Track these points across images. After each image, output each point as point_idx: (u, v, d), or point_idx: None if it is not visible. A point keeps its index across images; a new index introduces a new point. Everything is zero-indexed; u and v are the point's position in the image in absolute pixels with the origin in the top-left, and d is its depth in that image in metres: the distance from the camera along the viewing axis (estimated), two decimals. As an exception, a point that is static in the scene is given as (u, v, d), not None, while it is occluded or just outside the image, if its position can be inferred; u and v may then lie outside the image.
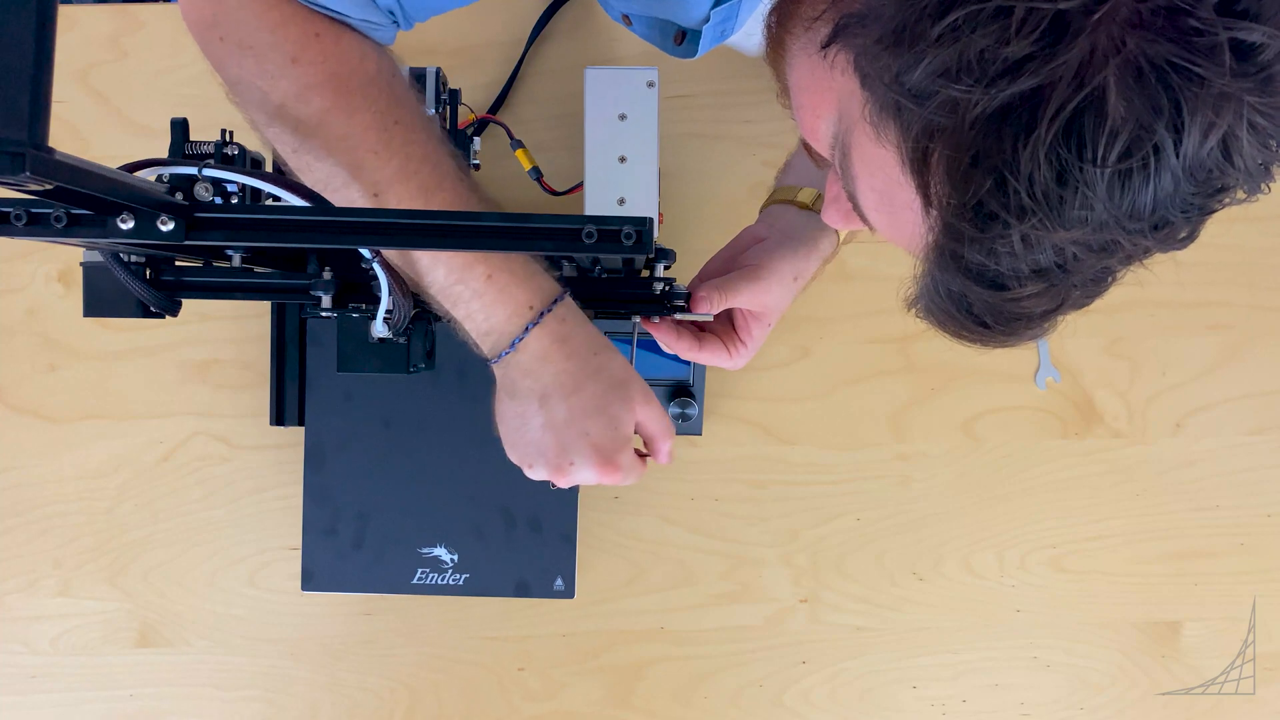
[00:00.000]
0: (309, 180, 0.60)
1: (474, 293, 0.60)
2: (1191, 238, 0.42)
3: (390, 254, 0.59)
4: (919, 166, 0.41)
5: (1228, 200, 0.41)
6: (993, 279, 0.42)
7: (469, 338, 0.63)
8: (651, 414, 0.66)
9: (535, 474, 0.66)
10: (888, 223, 0.47)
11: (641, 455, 0.68)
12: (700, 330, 0.75)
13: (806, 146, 0.60)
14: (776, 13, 0.53)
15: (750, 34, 0.75)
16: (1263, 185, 0.41)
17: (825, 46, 0.44)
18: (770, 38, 0.54)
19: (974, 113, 0.37)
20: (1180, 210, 0.39)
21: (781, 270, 0.72)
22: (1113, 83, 0.36)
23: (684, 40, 0.72)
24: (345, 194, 0.60)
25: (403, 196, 0.59)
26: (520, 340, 0.62)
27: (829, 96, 0.46)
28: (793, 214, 0.75)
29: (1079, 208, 0.38)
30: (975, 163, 0.38)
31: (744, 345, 0.74)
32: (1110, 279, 0.44)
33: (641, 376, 0.66)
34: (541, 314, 0.61)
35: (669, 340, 0.73)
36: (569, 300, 0.63)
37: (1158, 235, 0.40)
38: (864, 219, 0.49)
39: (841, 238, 0.75)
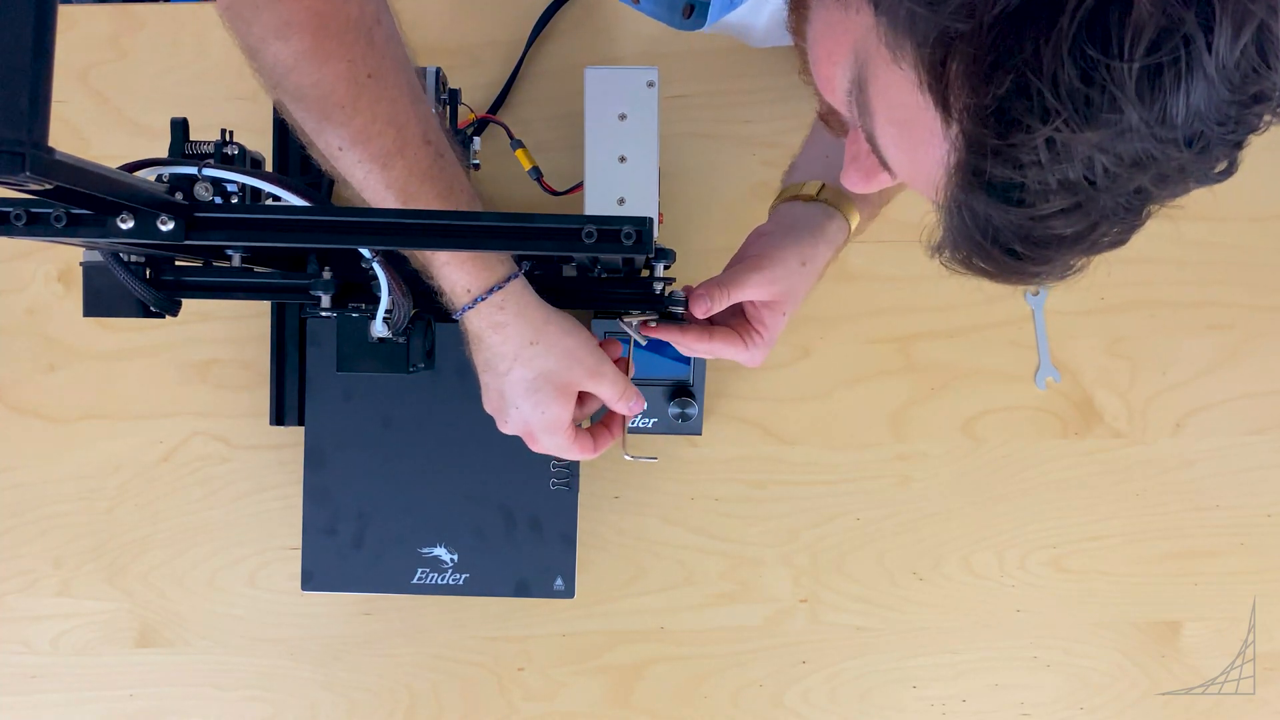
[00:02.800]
0: (289, 119, 0.60)
1: (427, 261, 0.64)
2: (1230, 170, 0.41)
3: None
4: (937, 79, 0.39)
5: (1267, 116, 0.39)
6: (1019, 196, 0.40)
7: None
8: (602, 382, 0.69)
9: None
10: (909, 160, 0.46)
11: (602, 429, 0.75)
12: (711, 324, 0.74)
13: (824, 117, 0.59)
14: None
15: (757, 9, 0.75)
16: None
17: None
18: (792, 5, 0.54)
19: (991, 12, 0.36)
20: (1216, 121, 0.37)
21: (785, 257, 0.72)
22: None
23: (692, 13, 0.71)
24: (315, 144, 0.60)
25: (361, 158, 0.59)
26: (461, 316, 0.65)
27: (846, 38, 0.45)
28: (797, 207, 0.75)
29: (1107, 109, 0.36)
30: (995, 66, 0.37)
31: (760, 336, 0.73)
32: (1144, 210, 0.42)
33: (610, 360, 0.71)
34: (477, 300, 0.63)
35: (673, 337, 0.72)
36: (514, 286, 0.64)
37: (1193, 152, 0.38)
38: (885, 164, 0.48)
39: (852, 225, 0.75)
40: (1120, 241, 0.43)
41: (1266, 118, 0.39)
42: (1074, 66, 0.36)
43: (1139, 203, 0.41)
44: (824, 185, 0.75)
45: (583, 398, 0.72)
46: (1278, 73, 0.37)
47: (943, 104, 0.40)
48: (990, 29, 0.37)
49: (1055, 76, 0.36)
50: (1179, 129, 0.37)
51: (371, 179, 0.59)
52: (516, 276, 0.64)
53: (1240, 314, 0.95)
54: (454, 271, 0.63)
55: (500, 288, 0.63)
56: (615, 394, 0.71)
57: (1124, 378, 0.94)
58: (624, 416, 0.75)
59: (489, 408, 0.71)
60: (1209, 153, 0.39)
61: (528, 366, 0.67)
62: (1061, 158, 0.38)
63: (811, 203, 0.74)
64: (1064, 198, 0.39)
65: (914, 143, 0.43)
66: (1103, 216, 0.41)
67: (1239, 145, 0.40)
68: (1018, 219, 0.41)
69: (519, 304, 0.65)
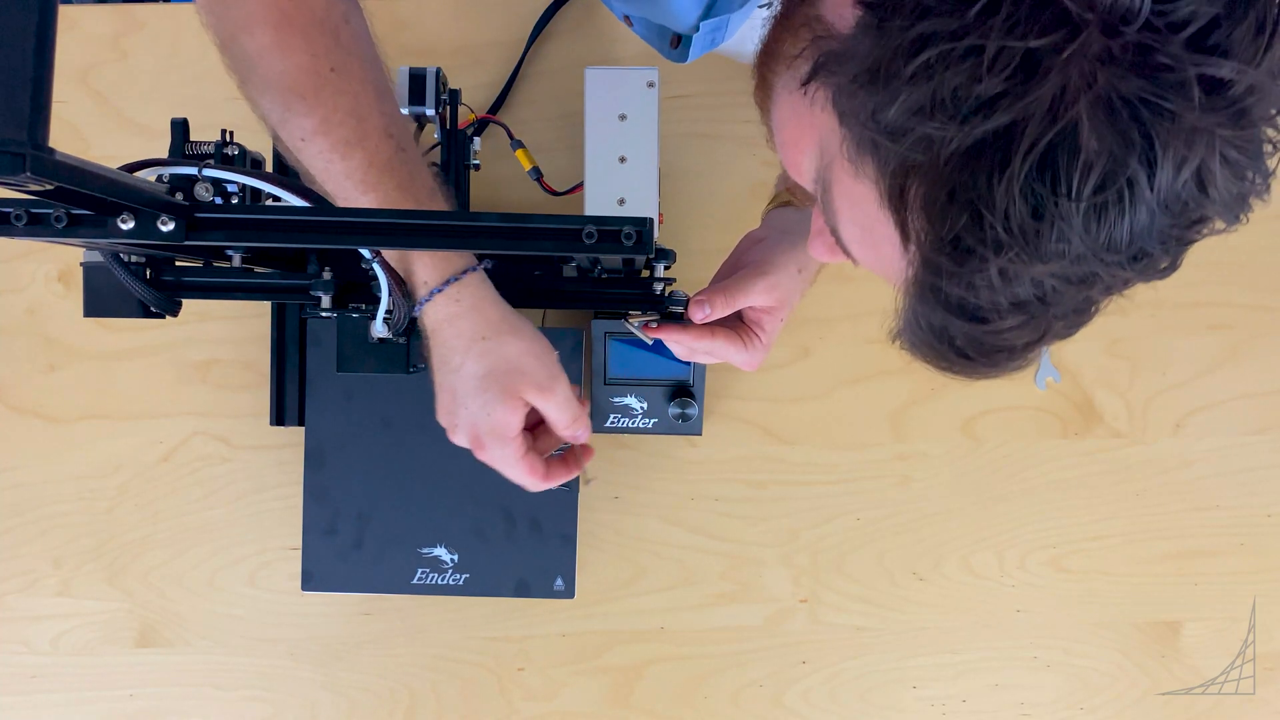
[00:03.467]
0: (258, 113, 0.61)
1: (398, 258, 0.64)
2: (1173, 268, 0.43)
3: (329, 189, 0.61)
4: (896, 202, 0.41)
5: (1206, 231, 0.41)
6: (973, 312, 0.42)
7: None
8: (550, 401, 0.67)
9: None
10: (871, 256, 0.48)
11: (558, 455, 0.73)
12: (711, 326, 0.74)
13: (790, 187, 0.60)
14: (762, 52, 0.54)
15: (746, 40, 0.76)
16: (1240, 216, 0.41)
17: (805, 83, 0.45)
18: (757, 77, 0.55)
19: (948, 149, 0.38)
20: (1159, 242, 0.39)
21: (785, 263, 0.73)
22: (1085, 118, 0.36)
23: (679, 44, 0.72)
24: (281, 135, 0.61)
25: (322, 148, 0.60)
26: (419, 311, 0.65)
27: (810, 132, 0.47)
28: (790, 212, 0.76)
29: (1055, 241, 0.38)
30: (951, 198, 0.38)
31: (759, 340, 0.74)
32: (1093, 310, 0.44)
33: (560, 366, 0.69)
34: (433, 292, 0.64)
35: (675, 336, 0.72)
36: (471, 279, 0.65)
37: (1136, 266, 0.40)
38: (846, 252, 0.50)
39: None
40: (1067, 336, 0.45)
41: (1206, 231, 0.41)
42: (1025, 204, 0.37)
43: (1086, 307, 0.44)
44: None
45: (538, 432, 0.71)
46: (1216, 201, 0.39)
47: (901, 226, 0.41)
48: (947, 162, 0.38)
49: (1007, 212, 0.37)
50: (1123, 252, 0.39)
51: (332, 168, 0.60)
52: (474, 270, 0.64)
53: (1240, 314, 0.95)
54: (413, 264, 0.63)
55: (456, 279, 0.64)
56: (565, 418, 0.69)
57: (1124, 378, 0.94)
58: (584, 455, 0.73)
59: (441, 415, 0.69)
60: (1153, 263, 0.41)
61: (478, 361, 0.65)
62: (1014, 283, 0.40)
63: (800, 209, 0.75)
64: (1016, 316, 0.42)
65: (875, 243, 0.45)
66: (1051, 324, 0.43)
67: (1182, 251, 0.42)
68: (972, 331, 0.43)
69: (474, 297, 0.65)
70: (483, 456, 0.69)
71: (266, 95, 0.60)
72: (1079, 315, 0.44)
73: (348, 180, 0.60)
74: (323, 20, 0.59)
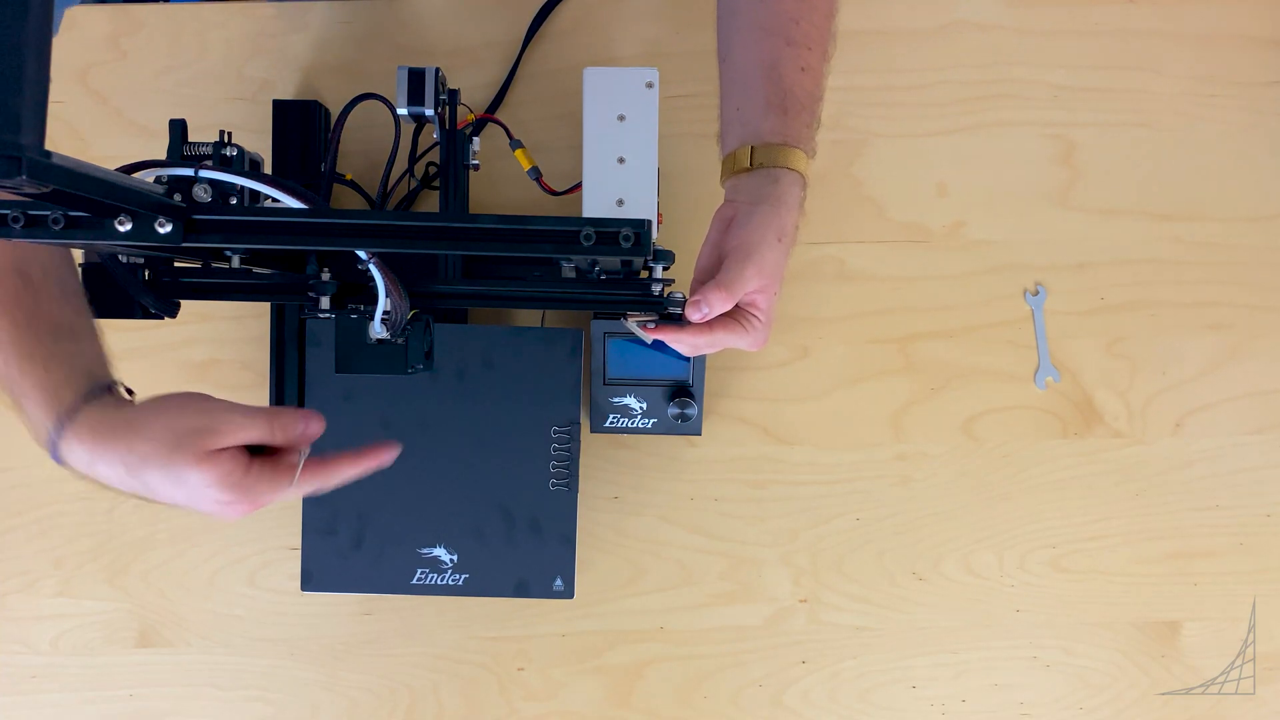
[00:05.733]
0: None
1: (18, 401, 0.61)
2: None
3: None
4: None
5: None
6: None
7: None
8: (237, 434, 0.60)
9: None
10: None
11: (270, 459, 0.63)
12: (709, 322, 0.73)
13: None
14: None
15: None
16: None
17: None
18: None
19: None
20: None
21: (765, 238, 0.70)
22: None
23: None
24: None
25: None
26: (62, 463, 0.61)
27: None
28: (749, 178, 0.72)
29: None
30: None
31: (757, 319, 0.71)
32: None
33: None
34: (52, 442, 0.61)
35: (675, 336, 0.72)
36: (83, 418, 0.61)
37: None
38: None
39: (802, 170, 0.72)
40: None
41: None
42: None
43: None
44: (753, 149, 0.72)
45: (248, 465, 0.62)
46: None
47: None
48: None
49: None
50: None
51: None
52: (83, 405, 0.60)
53: (1240, 314, 0.95)
54: (25, 404, 0.60)
55: (68, 420, 0.60)
56: (262, 431, 0.61)
57: (1124, 378, 0.94)
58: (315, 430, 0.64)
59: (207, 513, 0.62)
60: None
61: (145, 469, 0.59)
62: None
63: (758, 171, 0.72)
64: None
65: None
66: None
67: None
68: None
69: (93, 432, 0.60)
70: (243, 504, 0.62)
71: None
72: None
73: None
74: None
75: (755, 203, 0.71)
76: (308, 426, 0.63)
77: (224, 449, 0.59)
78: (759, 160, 0.71)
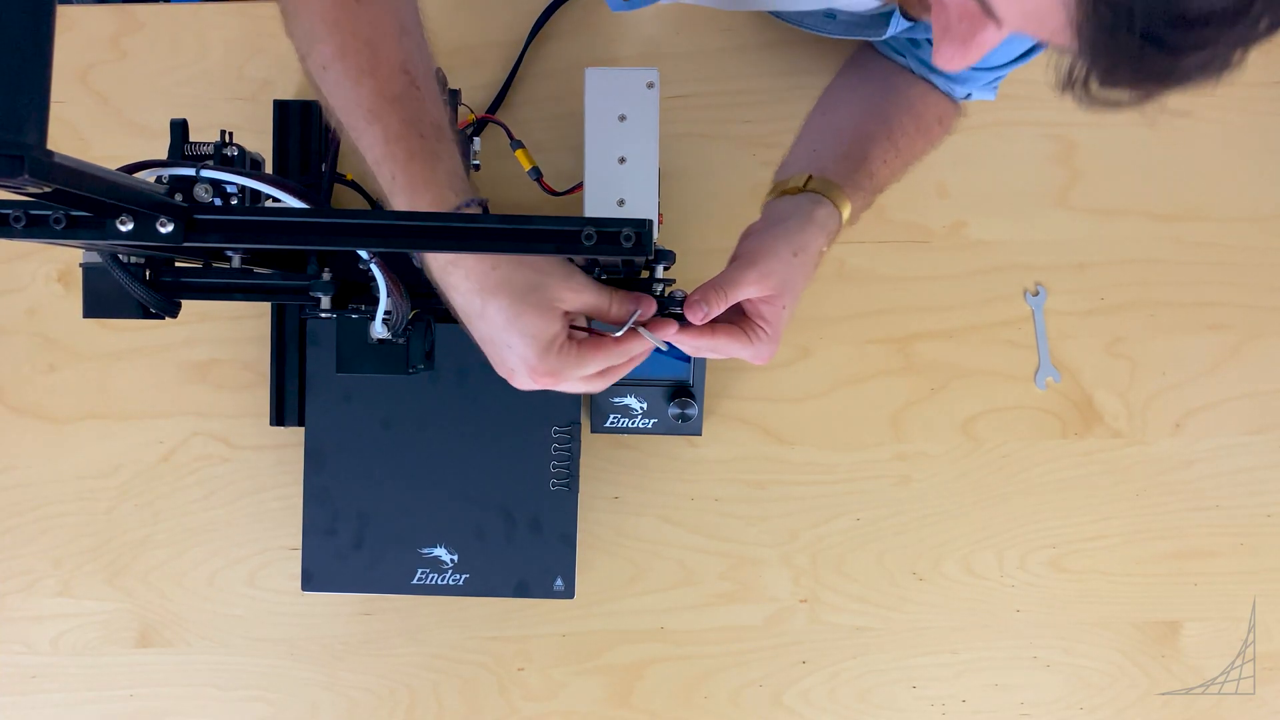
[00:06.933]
0: (295, 49, 0.63)
1: (388, 190, 0.62)
2: None
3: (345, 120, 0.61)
4: None
5: None
6: None
7: None
8: (582, 296, 0.62)
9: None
10: None
11: (600, 334, 0.66)
12: (713, 323, 0.73)
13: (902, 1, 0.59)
14: None
15: None
16: None
17: None
18: None
19: None
20: None
21: (776, 249, 0.70)
22: None
23: None
24: (307, 65, 0.62)
25: (337, 75, 0.61)
26: (422, 263, 0.63)
27: None
28: (783, 201, 0.74)
29: None
30: None
31: (763, 331, 0.70)
32: None
33: (575, 273, 0.63)
34: None
35: (676, 337, 0.71)
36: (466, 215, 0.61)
37: None
38: (990, 12, 0.45)
39: (844, 213, 0.74)
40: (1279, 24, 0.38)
41: None
42: None
43: None
44: (810, 176, 0.74)
45: (573, 334, 0.65)
46: None
47: None
48: None
49: None
50: None
51: (343, 96, 0.61)
52: (469, 205, 0.61)
53: (1240, 314, 0.95)
54: (417, 199, 0.61)
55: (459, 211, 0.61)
56: (604, 302, 0.64)
57: (1124, 378, 0.94)
58: (645, 306, 0.66)
59: (497, 368, 0.65)
60: None
61: (496, 295, 0.61)
62: None
63: (800, 194, 0.74)
64: None
65: None
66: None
67: None
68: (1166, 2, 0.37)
69: None
70: (557, 385, 0.65)
71: (298, 24, 0.62)
72: None
73: (357, 109, 0.60)
74: None
75: (779, 218, 0.72)
76: (640, 306, 0.65)
77: (566, 311, 0.62)
78: (812, 186, 0.74)
